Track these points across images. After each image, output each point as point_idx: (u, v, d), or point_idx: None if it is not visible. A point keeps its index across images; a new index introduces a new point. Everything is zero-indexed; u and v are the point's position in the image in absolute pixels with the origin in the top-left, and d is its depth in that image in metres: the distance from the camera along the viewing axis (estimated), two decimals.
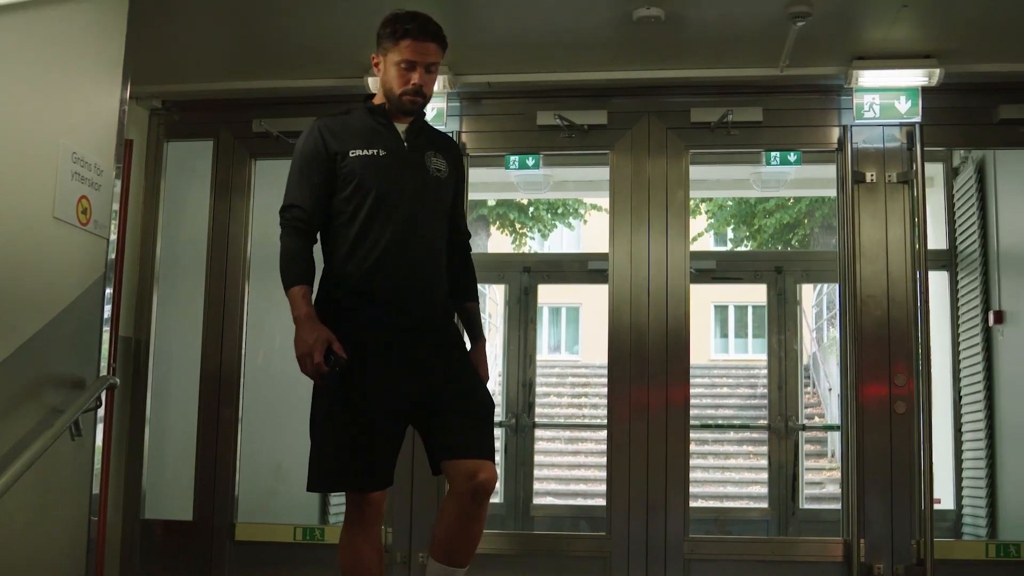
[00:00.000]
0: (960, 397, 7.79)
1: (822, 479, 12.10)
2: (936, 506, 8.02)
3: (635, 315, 6.18)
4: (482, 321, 4.02)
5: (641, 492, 5.94)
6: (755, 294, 8.65)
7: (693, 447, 7.64)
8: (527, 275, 8.64)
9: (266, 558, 6.15)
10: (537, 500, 9.02)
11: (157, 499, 6.39)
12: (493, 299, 15.38)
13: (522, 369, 8.48)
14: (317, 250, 3.80)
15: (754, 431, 13.38)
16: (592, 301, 17.99)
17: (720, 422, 14.31)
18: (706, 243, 16.64)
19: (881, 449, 5.88)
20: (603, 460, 6.53)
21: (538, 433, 8.60)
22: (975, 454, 7.49)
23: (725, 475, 13.36)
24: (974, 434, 7.53)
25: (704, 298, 18.40)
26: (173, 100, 6.54)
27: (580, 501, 11.89)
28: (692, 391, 6.26)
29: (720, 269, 8.86)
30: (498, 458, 8.72)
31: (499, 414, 8.66)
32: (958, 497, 7.63)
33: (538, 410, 8.56)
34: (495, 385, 9.44)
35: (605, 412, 6.34)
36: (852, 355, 5.99)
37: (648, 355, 6.13)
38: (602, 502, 6.43)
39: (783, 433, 8.22)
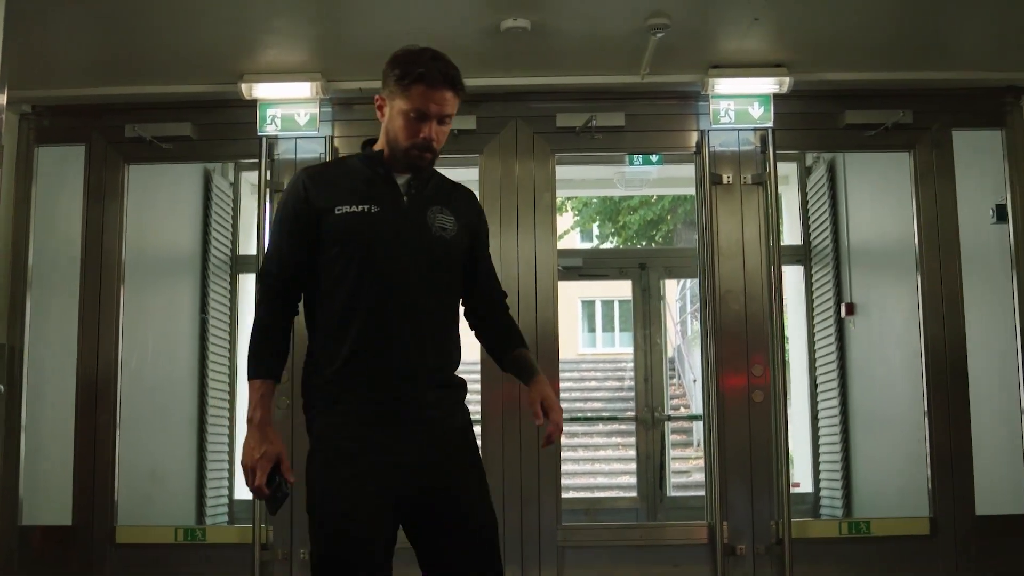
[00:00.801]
0: (816, 385, 8.29)
1: (688, 467, 12.59)
2: (795, 489, 8.55)
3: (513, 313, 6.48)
4: (531, 358, 3.38)
5: (515, 485, 6.25)
6: (621, 289, 9.02)
7: (564, 440, 7.97)
8: None
9: (147, 560, 6.28)
10: None
11: (35, 505, 6.43)
12: None
13: None
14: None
15: (622, 423, 13.82)
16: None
17: (589, 415, 14.73)
18: (573, 240, 17.05)
19: (741, 436, 6.30)
20: None
21: None
22: (831, 439, 7.99)
23: (595, 466, 13.78)
24: (829, 420, 8.04)
25: (571, 294, 18.82)
26: (44, 105, 6.58)
27: None
28: (561, 385, 6.61)
29: (586, 266, 9.19)
30: None
31: None
32: (816, 480, 8.13)
33: None
34: None
35: (473, 408, 6.64)
36: (712, 347, 6.40)
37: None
38: None
39: (650, 424, 8.59)
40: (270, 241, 3.28)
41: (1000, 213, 6.40)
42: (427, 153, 3.17)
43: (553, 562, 6.24)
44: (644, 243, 15.16)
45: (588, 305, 21.88)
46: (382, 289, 3.10)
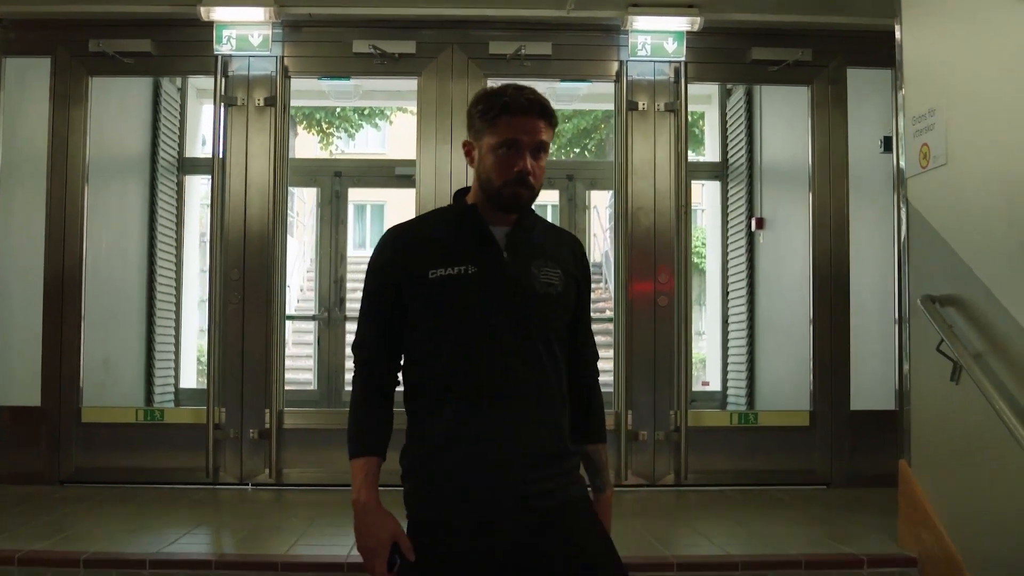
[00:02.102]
0: (727, 293, 9.29)
1: (610, 367, 13.58)
2: (706, 387, 9.60)
3: None
4: (606, 464, 3.18)
5: None
6: (552, 196, 9.84)
7: None
8: (338, 179, 9.67)
9: (110, 439, 7.16)
10: (348, 387, 10.14)
11: (5, 388, 7.24)
12: (301, 199, 16.31)
13: (333, 266, 9.54)
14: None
15: None
16: (396, 200, 18.95)
17: None
18: None
19: (647, 336, 7.28)
20: None
21: (348, 326, 9.68)
22: (738, 342, 8.97)
23: None
24: (738, 325, 9.00)
25: None
26: (11, 19, 7.24)
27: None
28: None
29: None
30: (310, 349, 9.88)
31: (311, 309, 9.75)
32: (724, 378, 9.14)
33: (348, 304, 9.63)
34: (308, 283, 10.43)
35: None
36: (623, 258, 7.36)
37: None
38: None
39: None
40: (361, 311, 3.05)
41: (887, 144, 7.34)
42: (523, 189, 2.91)
43: None
44: (578, 151, 16.00)
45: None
46: (480, 366, 2.86)
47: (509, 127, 2.89)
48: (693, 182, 9.47)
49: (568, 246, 3.11)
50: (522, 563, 2.84)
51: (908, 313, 5.19)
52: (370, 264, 3.02)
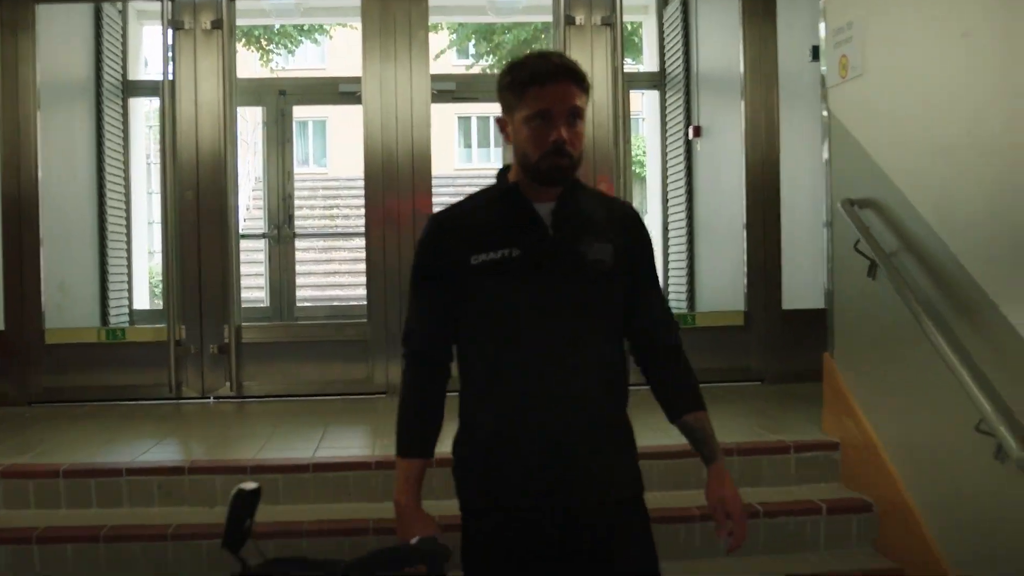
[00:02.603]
0: (667, 200, 9.68)
1: None
2: None
3: (385, 136, 7.71)
4: (710, 432, 2.97)
5: (394, 284, 7.58)
6: (496, 107, 10.13)
7: None
8: (283, 97, 9.90)
9: (74, 359, 7.49)
10: (300, 303, 10.48)
11: None
12: (244, 118, 16.41)
13: (280, 184, 9.83)
14: None
15: None
16: (338, 115, 19.14)
17: None
18: (449, 59, 18.00)
19: None
20: (356, 266, 8.08)
21: (298, 243, 9.99)
22: (678, 247, 9.39)
23: None
24: (678, 230, 9.41)
25: (449, 112, 19.75)
26: None
27: (337, 303, 13.32)
28: (439, 199, 7.85)
29: (459, 90, 10.30)
30: (261, 268, 10.20)
31: (261, 228, 10.04)
32: (665, 282, 9.51)
33: (296, 222, 9.91)
34: (255, 201, 10.70)
35: (355, 222, 7.88)
36: None
37: (397, 171, 7.70)
38: (357, 302, 8.01)
39: None
40: (409, 302, 3.01)
41: (815, 53, 7.70)
42: (562, 158, 2.80)
43: None
44: None
45: (464, 122, 22.97)
46: (530, 349, 2.83)
47: (539, 97, 2.78)
48: (632, 92, 9.82)
49: (620, 216, 3.01)
50: (566, 551, 2.83)
51: (831, 216, 5.59)
52: (415, 252, 2.97)
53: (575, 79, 2.82)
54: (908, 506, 4.76)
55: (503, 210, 2.92)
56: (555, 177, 2.84)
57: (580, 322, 2.85)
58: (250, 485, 2.70)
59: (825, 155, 5.63)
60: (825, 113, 5.62)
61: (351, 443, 5.97)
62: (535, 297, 2.83)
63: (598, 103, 7.65)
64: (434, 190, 7.75)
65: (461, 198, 3.05)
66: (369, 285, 7.68)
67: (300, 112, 10.72)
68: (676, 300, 9.28)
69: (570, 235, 2.88)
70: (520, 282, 2.83)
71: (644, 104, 10.88)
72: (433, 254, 2.92)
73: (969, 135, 4.29)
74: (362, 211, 8.01)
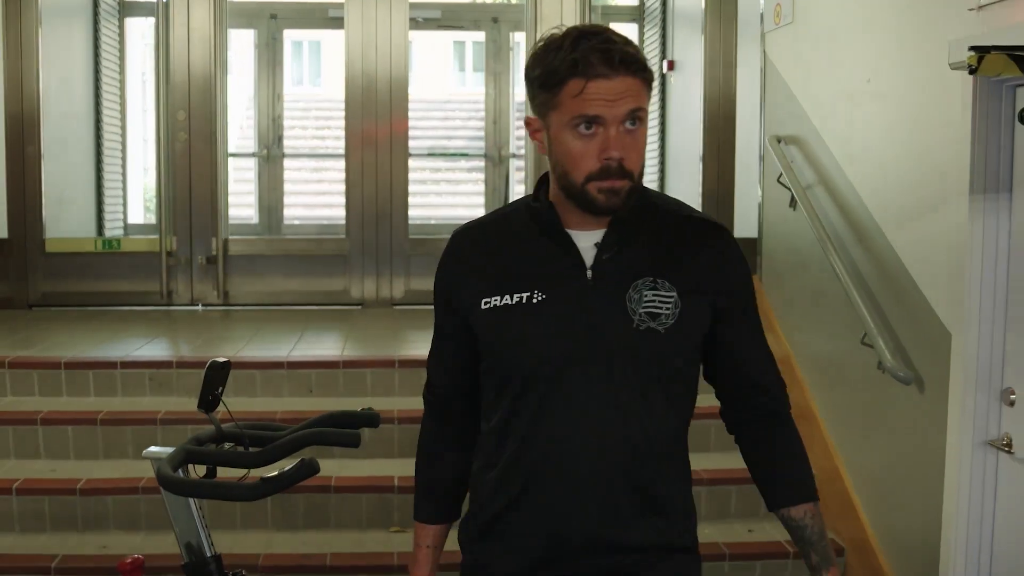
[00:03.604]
0: None
1: None
2: None
3: (365, 63, 8.37)
4: (820, 531, 2.32)
5: (371, 204, 8.28)
6: (477, 37, 10.63)
7: (427, 174, 9.89)
8: (274, 21, 10.45)
9: (72, 266, 8.21)
10: (287, 222, 11.11)
11: None
12: (236, 38, 16.94)
13: (271, 105, 10.40)
14: None
15: (473, 159, 15.74)
16: (332, 37, 19.58)
17: (452, 151, 16.65)
18: None
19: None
20: (343, 187, 8.76)
21: (287, 163, 10.56)
22: (651, 175, 9.88)
23: (456, 199, 15.77)
24: (651, 160, 9.94)
25: (445, 38, 20.19)
26: None
27: (325, 221, 13.96)
28: (429, 123, 8.54)
29: (444, 18, 10.86)
30: (252, 187, 10.85)
31: (251, 147, 10.67)
32: None
33: (286, 142, 10.49)
34: (247, 120, 11.30)
35: (343, 143, 8.58)
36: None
37: (376, 96, 8.36)
38: (343, 220, 8.71)
39: (497, 160, 10.48)
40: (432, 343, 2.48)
41: None
42: (617, 181, 2.12)
43: (401, 266, 8.40)
44: None
45: (459, 46, 23.42)
46: (551, 420, 2.22)
47: (585, 96, 2.09)
48: (612, 24, 10.36)
49: (699, 246, 2.28)
50: None
51: (763, 151, 6.27)
52: (435, 281, 2.41)
53: (637, 71, 2.11)
54: (811, 410, 5.49)
55: (532, 238, 2.25)
56: (606, 207, 2.14)
57: (622, 392, 2.20)
58: (221, 359, 3.39)
59: (759, 94, 6.29)
60: (761, 55, 6.27)
61: (324, 347, 6.69)
62: (561, 358, 2.19)
63: None
64: (425, 114, 8.38)
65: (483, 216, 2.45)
66: (348, 204, 8.38)
67: (296, 34, 11.19)
68: None
69: (617, 277, 2.20)
70: (540, 339, 2.20)
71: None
72: (447, 285, 2.35)
73: (868, 83, 4.95)
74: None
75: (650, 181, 9.75)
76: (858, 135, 5.06)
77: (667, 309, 2.21)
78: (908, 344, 4.48)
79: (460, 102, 21.16)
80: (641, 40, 10.01)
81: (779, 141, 5.86)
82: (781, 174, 5.71)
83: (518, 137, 10.04)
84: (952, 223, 3.90)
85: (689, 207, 2.37)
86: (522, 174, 8.84)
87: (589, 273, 2.23)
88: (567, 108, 2.12)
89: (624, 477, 2.24)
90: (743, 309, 2.35)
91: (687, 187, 8.77)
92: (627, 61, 2.11)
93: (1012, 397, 3.70)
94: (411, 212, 8.69)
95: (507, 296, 2.24)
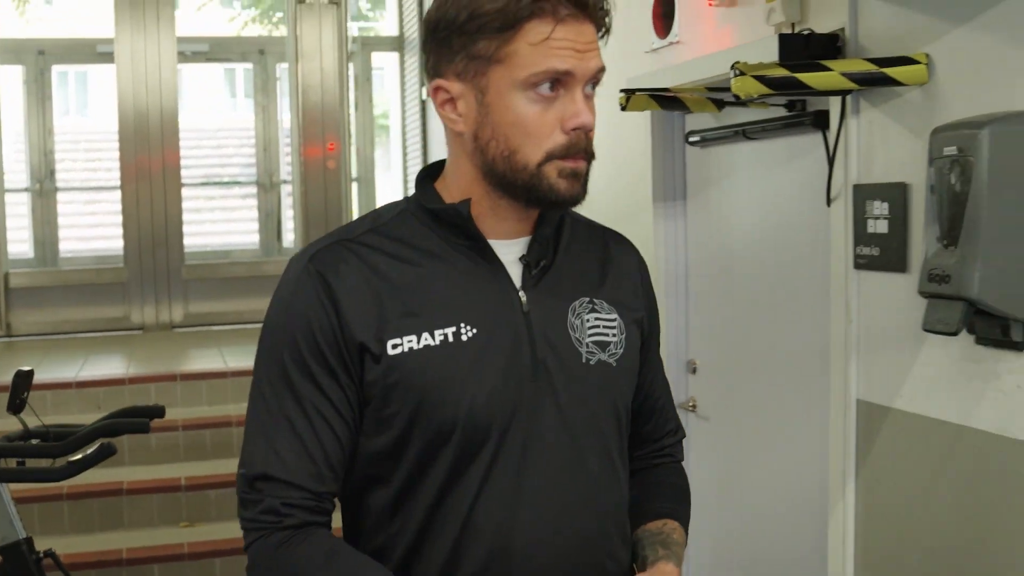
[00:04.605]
0: (406, 151, 11.04)
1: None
2: None
3: (136, 98, 8.94)
4: (677, 541, 1.85)
5: (148, 234, 8.84)
6: (247, 67, 11.19)
7: (202, 202, 10.46)
8: (42, 57, 10.77)
9: None
10: (63, 255, 11.37)
11: None
12: (5, 78, 16.96)
13: (42, 140, 10.63)
14: None
15: (246, 186, 16.20)
16: (100, 71, 19.68)
17: (226, 179, 17.04)
18: (213, 11, 18.82)
19: (319, 193, 9.12)
20: (118, 218, 9.30)
21: (60, 196, 10.81)
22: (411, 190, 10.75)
23: (231, 225, 16.17)
24: (412, 176, 10.77)
25: (216, 69, 20.48)
26: None
27: (102, 253, 14.23)
28: (200, 152, 9.12)
29: (212, 51, 11.36)
30: (26, 221, 11.19)
31: (23, 181, 10.99)
32: None
33: (59, 175, 10.77)
34: (17, 154, 11.60)
35: (116, 175, 9.13)
36: (298, 127, 9.09)
37: (148, 129, 8.94)
38: (117, 252, 9.25)
39: (268, 187, 10.96)
40: (251, 409, 1.70)
41: None
42: (582, 161, 1.66)
43: (179, 291, 8.99)
44: (274, 24, 17.30)
45: (230, 73, 23.73)
46: (498, 511, 1.67)
47: (551, 44, 1.60)
48: (373, 54, 11.12)
49: (623, 259, 1.91)
50: None
51: None
52: (269, 322, 1.71)
53: (603, 18, 1.66)
54: None
55: (439, 253, 1.71)
56: (567, 196, 1.67)
57: (585, 448, 1.74)
58: (26, 368, 4.02)
59: None
60: None
61: (109, 367, 7.27)
62: (508, 413, 1.68)
63: (326, 71, 9.04)
64: (199, 143, 8.99)
65: (350, 221, 1.83)
66: (126, 234, 8.93)
67: (65, 68, 11.45)
68: None
69: (552, 301, 1.75)
70: (484, 385, 1.67)
71: (386, 65, 12.16)
72: (319, 326, 1.65)
73: None
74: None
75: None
76: None
77: (614, 336, 1.77)
78: None
79: (232, 130, 21.55)
80: (402, 70, 10.80)
81: None
82: None
83: (287, 163, 10.64)
84: (646, 224, 4.76)
85: (582, 215, 1.90)
86: (292, 199, 9.54)
87: (522, 296, 1.71)
88: (523, 60, 1.59)
89: (589, 559, 1.73)
90: (656, 335, 1.94)
91: None
92: (593, 3, 1.62)
93: (695, 366, 4.59)
94: (188, 240, 9.25)
95: (426, 334, 1.64)
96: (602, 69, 1.67)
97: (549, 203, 1.68)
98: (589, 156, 1.68)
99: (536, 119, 1.63)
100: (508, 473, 1.68)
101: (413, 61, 10.59)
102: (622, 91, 3.92)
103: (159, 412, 4.14)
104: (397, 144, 11.27)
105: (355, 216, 9.38)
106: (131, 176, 8.88)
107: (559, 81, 1.62)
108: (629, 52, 4.61)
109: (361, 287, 1.66)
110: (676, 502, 1.94)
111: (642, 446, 1.97)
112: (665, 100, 3.95)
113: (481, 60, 1.62)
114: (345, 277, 1.66)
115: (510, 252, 1.74)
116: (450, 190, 1.74)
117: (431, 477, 1.67)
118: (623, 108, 3.91)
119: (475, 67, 1.63)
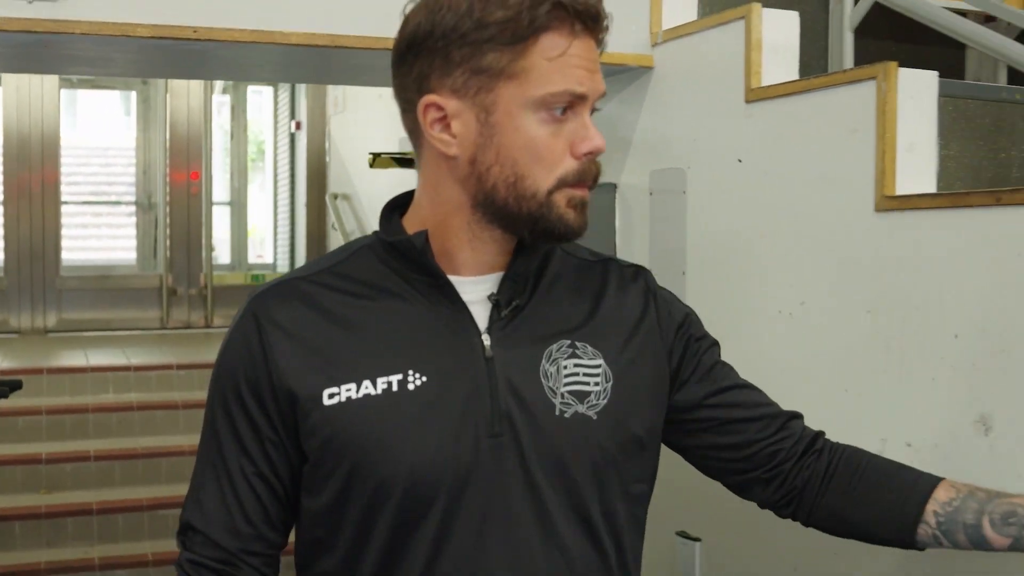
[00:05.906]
0: (277, 180, 12.29)
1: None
2: (260, 259, 12.65)
3: (20, 120, 9.98)
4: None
5: (27, 246, 9.89)
6: (129, 84, 12.30)
7: (89, 219, 11.62)
8: None
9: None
10: None
11: None
12: None
13: None
14: None
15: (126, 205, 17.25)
16: None
17: (112, 199, 18.03)
18: None
19: (182, 214, 10.45)
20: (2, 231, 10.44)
21: None
22: (284, 216, 12.10)
23: (113, 242, 17.12)
24: (283, 205, 12.15)
25: (104, 94, 21.51)
26: None
27: None
28: (89, 171, 10.26)
29: (96, 77, 12.24)
30: None
31: None
32: (275, 251, 12.15)
33: None
34: None
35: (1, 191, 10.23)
36: (167, 156, 10.43)
37: (30, 150, 10.04)
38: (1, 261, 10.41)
39: (147, 207, 11.74)
40: (199, 460, 1.62)
41: None
42: (588, 191, 1.53)
43: (54, 299, 10.22)
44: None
45: (116, 100, 24.51)
46: (444, 557, 1.51)
47: (568, 61, 1.48)
48: (249, 86, 12.21)
49: (626, 293, 1.68)
50: None
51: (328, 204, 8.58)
52: (217, 367, 1.62)
53: (603, 35, 1.53)
54: None
55: (393, 291, 1.56)
56: (575, 227, 1.53)
57: (556, 516, 1.54)
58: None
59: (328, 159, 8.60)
60: (327, 133, 8.60)
61: None
62: (462, 474, 1.50)
63: (192, 108, 10.34)
64: (87, 162, 10.21)
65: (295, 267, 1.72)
66: (7, 247, 9.98)
67: None
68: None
69: (523, 346, 1.57)
70: (430, 441, 1.50)
71: (260, 101, 13.19)
72: (257, 372, 1.54)
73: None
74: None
75: (284, 219, 11.74)
76: (379, 192, 7.41)
77: (596, 384, 1.57)
78: None
79: (119, 149, 22.47)
80: (276, 103, 11.90)
81: (335, 197, 8.19)
82: (333, 223, 8.04)
83: (166, 183, 11.81)
84: None
85: (585, 248, 1.71)
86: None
87: (486, 339, 1.54)
88: (539, 77, 1.47)
89: None
90: (708, 348, 1.73)
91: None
92: (603, 19, 1.51)
93: None
94: (71, 255, 10.35)
95: (367, 382, 1.50)
96: (603, 93, 1.52)
97: (555, 236, 1.52)
98: (595, 184, 1.53)
99: (548, 142, 1.48)
100: (464, 547, 1.49)
101: (285, 96, 11.63)
102: (370, 153, 5.26)
103: (17, 385, 5.36)
104: (271, 171, 12.28)
105: (215, 239, 10.77)
106: (13, 194, 10.03)
107: (570, 103, 1.48)
108: None
109: (301, 331, 1.53)
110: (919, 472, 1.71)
111: (800, 458, 1.72)
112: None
113: (488, 75, 1.46)
114: (282, 320, 1.53)
115: (480, 290, 1.56)
116: (422, 221, 1.57)
117: (372, 547, 1.51)
118: (372, 165, 5.27)
119: (479, 82, 1.47)
